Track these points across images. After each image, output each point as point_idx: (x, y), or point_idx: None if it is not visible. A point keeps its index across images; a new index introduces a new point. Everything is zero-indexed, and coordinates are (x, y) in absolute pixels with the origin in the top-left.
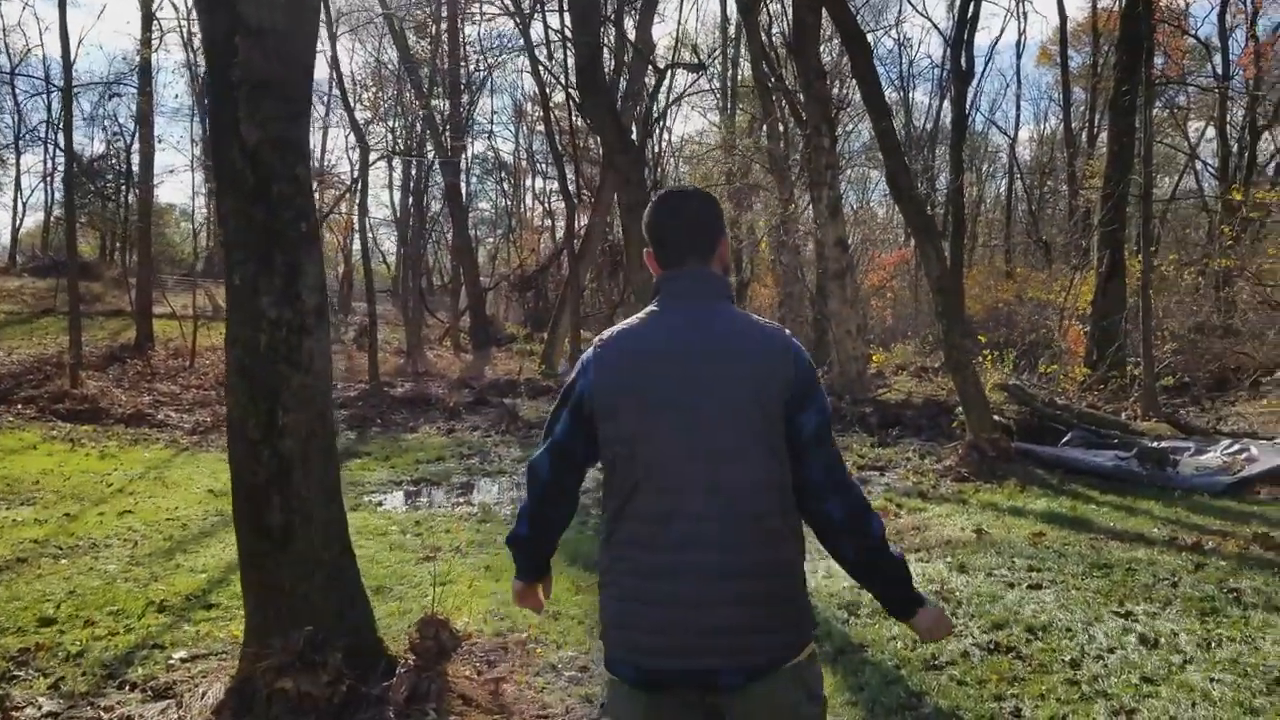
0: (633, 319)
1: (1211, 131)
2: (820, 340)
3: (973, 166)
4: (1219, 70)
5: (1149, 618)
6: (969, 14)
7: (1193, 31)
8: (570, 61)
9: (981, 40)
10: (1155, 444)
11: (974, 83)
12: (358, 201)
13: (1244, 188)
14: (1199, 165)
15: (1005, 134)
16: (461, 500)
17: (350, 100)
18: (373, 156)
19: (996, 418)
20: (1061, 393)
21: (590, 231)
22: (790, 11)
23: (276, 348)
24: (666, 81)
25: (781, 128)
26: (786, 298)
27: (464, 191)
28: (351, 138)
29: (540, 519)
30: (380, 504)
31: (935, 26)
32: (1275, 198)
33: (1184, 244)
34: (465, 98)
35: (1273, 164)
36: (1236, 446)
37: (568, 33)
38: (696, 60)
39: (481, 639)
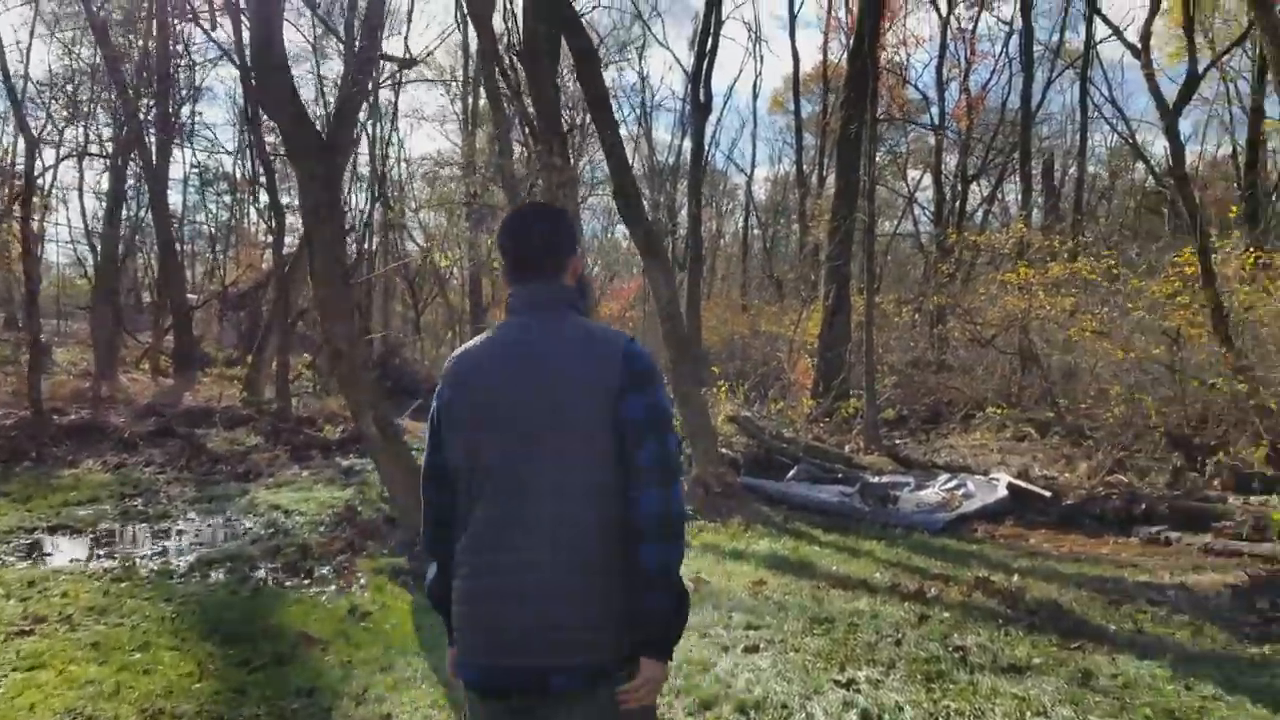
0: (483, 334)
1: (929, 179)
2: None
3: (712, 203)
4: (936, 120)
5: (872, 686)
6: (707, 48)
7: (913, 82)
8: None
9: (723, 80)
10: (877, 479)
11: (711, 117)
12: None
13: (957, 231)
14: (917, 210)
15: (743, 171)
16: (102, 553)
17: (18, 94)
18: (51, 155)
19: (725, 451)
20: (789, 424)
21: (301, 246)
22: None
23: None
24: (392, 84)
25: (518, 146)
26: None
27: (181, 201)
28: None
29: (438, 550)
30: None
31: (677, 60)
32: (984, 240)
33: (903, 282)
34: (175, 99)
35: (981, 210)
36: (954, 482)
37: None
38: (408, 57)
39: None
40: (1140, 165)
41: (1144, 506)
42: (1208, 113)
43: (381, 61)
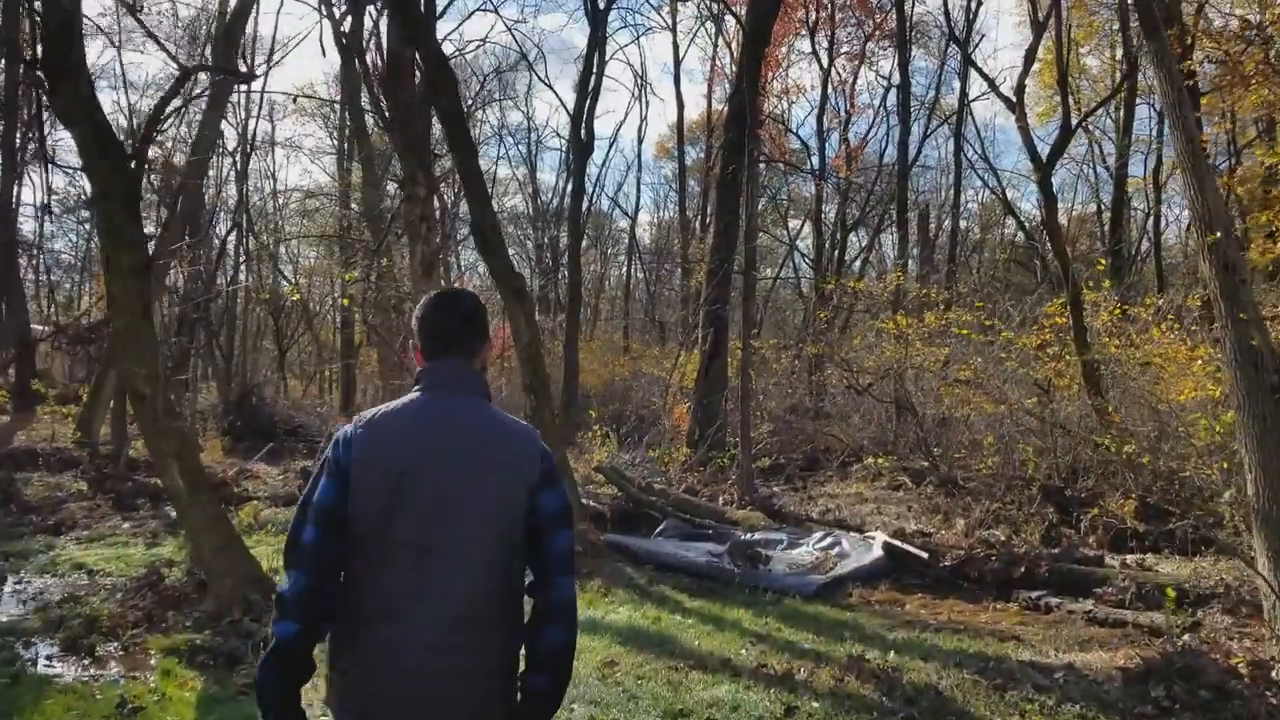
0: (394, 403)
1: (809, 228)
2: None
3: (597, 245)
4: (816, 169)
5: None
6: (590, 87)
7: (794, 130)
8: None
9: (610, 124)
10: (749, 536)
11: (598, 160)
12: None
13: (835, 278)
14: (797, 257)
15: (627, 215)
16: None
17: None
18: None
19: (591, 504)
20: (664, 473)
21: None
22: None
23: None
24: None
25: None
26: (382, 364)
27: (36, 228)
28: None
29: (310, 605)
30: None
31: (561, 102)
32: (862, 287)
33: (783, 329)
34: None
35: (859, 259)
36: (828, 540)
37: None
38: (246, 71)
39: None
40: (1011, 220)
41: (1023, 569)
42: (1075, 172)
43: (229, 79)
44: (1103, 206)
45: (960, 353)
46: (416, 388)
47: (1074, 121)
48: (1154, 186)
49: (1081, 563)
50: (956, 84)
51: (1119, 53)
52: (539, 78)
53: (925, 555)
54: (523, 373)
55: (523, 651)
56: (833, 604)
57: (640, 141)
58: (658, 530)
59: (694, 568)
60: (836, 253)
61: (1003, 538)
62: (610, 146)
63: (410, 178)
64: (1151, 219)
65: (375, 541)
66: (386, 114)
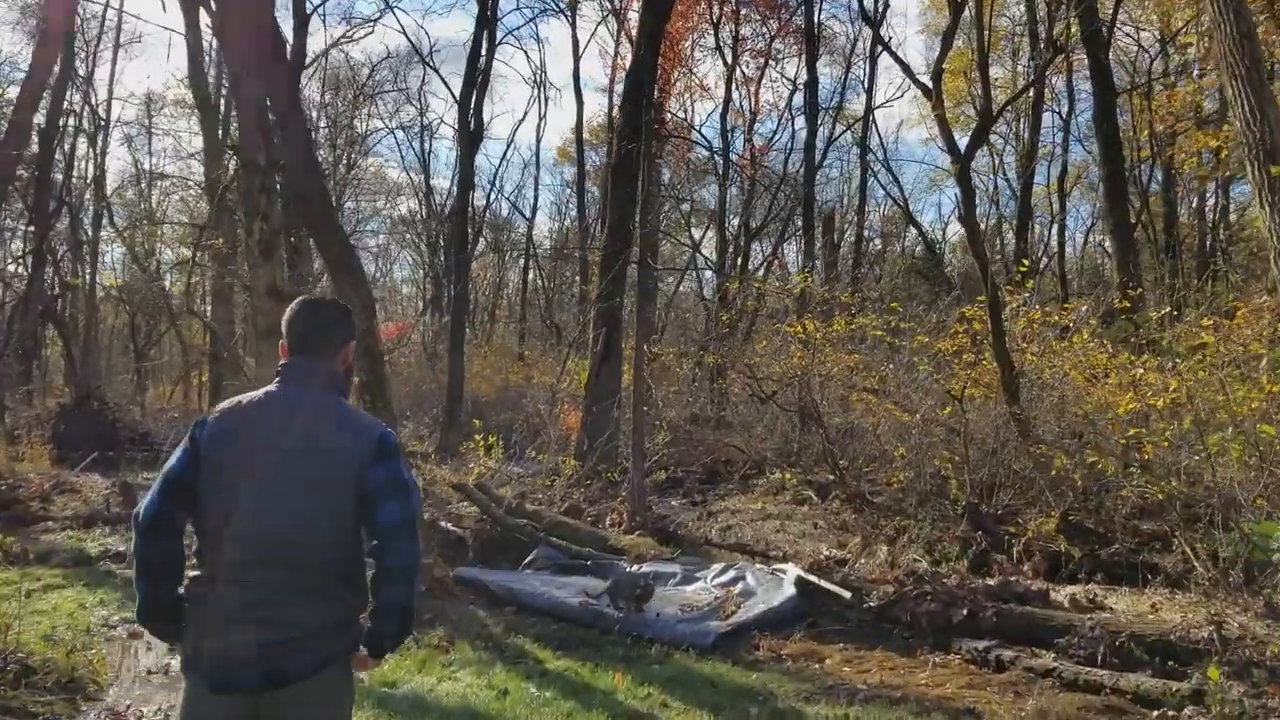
0: (254, 393)
1: (712, 233)
2: None
3: (496, 249)
4: (720, 170)
5: None
6: (477, 70)
7: (698, 128)
8: None
9: (508, 124)
10: (636, 568)
11: (496, 165)
12: None
13: (738, 280)
14: (700, 261)
15: (524, 216)
16: None
17: None
18: None
19: (450, 527)
20: (547, 489)
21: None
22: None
23: None
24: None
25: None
26: (213, 360)
27: None
28: None
29: (155, 558)
30: None
31: (453, 94)
32: (767, 288)
33: (686, 335)
34: None
35: (763, 267)
36: (730, 574)
37: None
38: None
39: None
40: (911, 233)
41: (965, 612)
42: (974, 184)
43: None
44: (1003, 219)
45: (870, 360)
46: (275, 379)
47: (994, 109)
48: (1059, 194)
49: (1028, 601)
50: (860, 97)
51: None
52: (426, 64)
53: (847, 595)
54: (357, 370)
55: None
56: (735, 660)
57: (539, 140)
58: (526, 560)
59: (565, 611)
60: (740, 259)
61: (925, 565)
62: (508, 146)
63: (249, 143)
64: (1056, 227)
65: (212, 518)
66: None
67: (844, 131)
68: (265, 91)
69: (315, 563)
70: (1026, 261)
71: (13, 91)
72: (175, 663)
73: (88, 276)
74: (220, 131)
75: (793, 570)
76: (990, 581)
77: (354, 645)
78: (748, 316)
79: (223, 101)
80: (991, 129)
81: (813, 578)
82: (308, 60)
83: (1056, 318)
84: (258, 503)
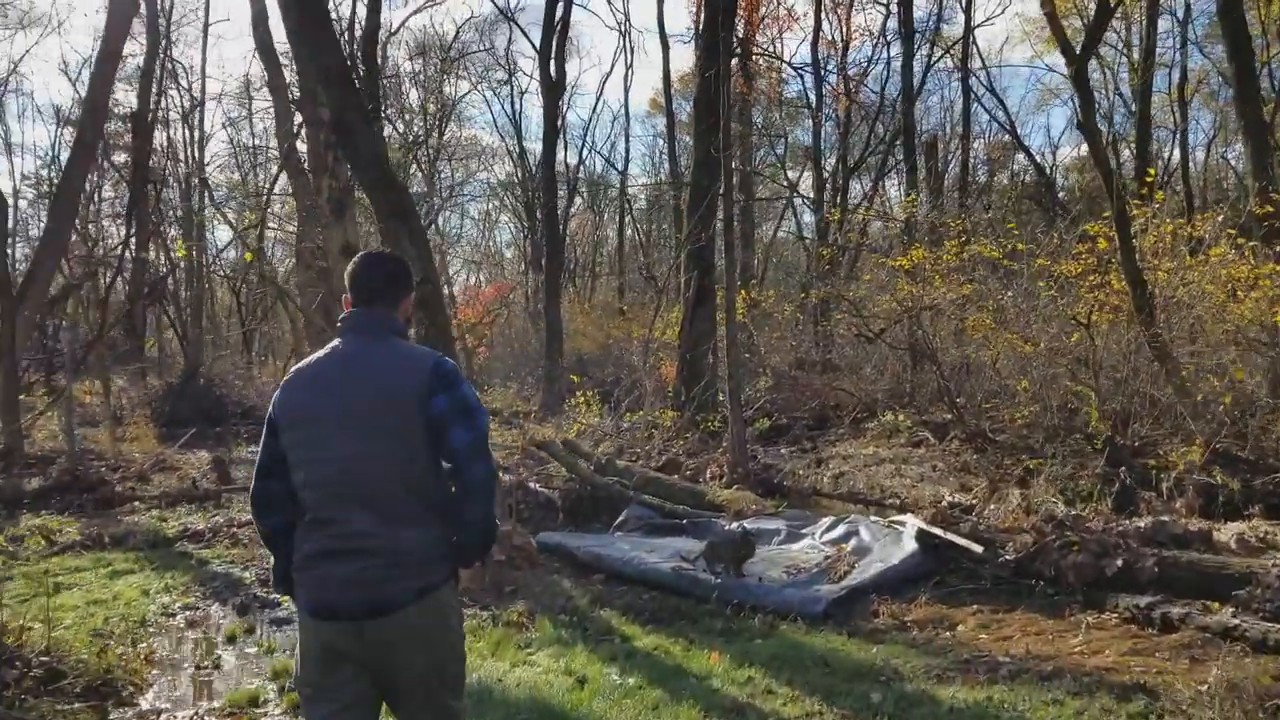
0: (319, 351)
1: (809, 174)
2: None
3: (594, 207)
4: (813, 102)
5: None
6: (556, 18)
7: (788, 60)
8: None
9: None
10: (736, 526)
11: (580, 112)
12: None
13: (839, 213)
14: (798, 202)
15: (616, 169)
16: None
17: None
18: None
19: (538, 488)
20: (645, 443)
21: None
22: None
23: None
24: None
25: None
26: (309, 331)
27: None
28: None
29: (269, 524)
30: None
31: (534, 46)
32: (870, 216)
33: (788, 280)
34: None
35: (863, 204)
36: (842, 529)
37: None
38: None
39: None
40: (1019, 159)
41: (1120, 562)
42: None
43: None
44: (1118, 136)
45: (984, 290)
46: (339, 333)
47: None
48: (1179, 103)
49: (1189, 544)
50: (959, 17)
51: None
52: (507, 17)
53: (979, 548)
54: (415, 319)
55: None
56: (851, 630)
57: (626, 91)
58: (617, 521)
59: (657, 578)
60: (839, 197)
61: (1063, 508)
62: (598, 100)
63: (309, 95)
64: (1178, 137)
65: (295, 470)
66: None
67: (942, 55)
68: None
69: (397, 495)
70: (1153, 171)
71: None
72: (226, 654)
73: (196, 255)
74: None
75: (913, 522)
76: (1140, 523)
77: (453, 572)
78: (850, 252)
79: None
80: (1108, 25)
81: (936, 530)
82: (394, 28)
83: (1191, 229)
84: (333, 448)
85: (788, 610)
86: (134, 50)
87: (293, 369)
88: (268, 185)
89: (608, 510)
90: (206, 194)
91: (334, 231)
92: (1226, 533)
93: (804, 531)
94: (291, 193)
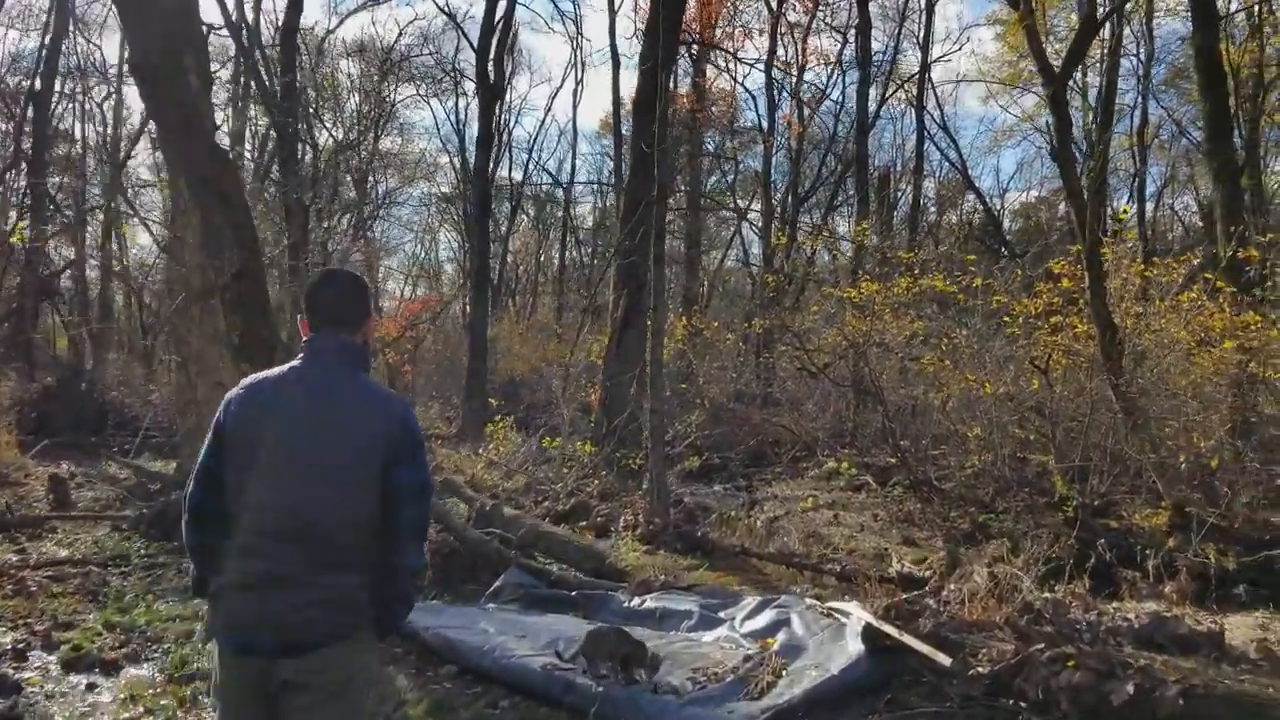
0: (277, 369)
1: (758, 204)
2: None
3: (539, 225)
4: (764, 125)
5: None
6: (496, 18)
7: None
8: None
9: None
10: (634, 602)
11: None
12: None
13: (789, 235)
14: (747, 231)
15: (559, 185)
16: None
17: None
18: None
19: None
20: (559, 480)
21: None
22: None
23: None
24: None
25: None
26: (173, 337)
27: None
28: None
29: (197, 543)
30: None
31: (467, 39)
32: (819, 243)
33: (732, 308)
34: None
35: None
36: (768, 615)
37: None
38: None
39: None
40: (969, 200)
41: (1131, 689)
42: (1033, 150)
43: None
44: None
45: (936, 327)
46: (299, 356)
47: (1099, 13)
48: (1139, 147)
49: (1194, 647)
50: (915, 53)
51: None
52: (445, 12)
53: (946, 661)
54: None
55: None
56: None
57: (575, 107)
58: (491, 589)
59: (523, 678)
60: (789, 227)
61: (1030, 587)
62: (545, 115)
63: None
64: (1136, 181)
65: (237, 489)
66: None
67: (897, 89)
68: None
69: (334, 540)
70: (1128, 208)
71: None
72: None
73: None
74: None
75: (858, 615)
76: (1132, 616)
77: (369, 620)
78: (797, 282)
79: None
80: (1090, 45)
81: (889, 629)
82: (332, 26)
83: (1169, 269)
84: (276, 477)
85: None
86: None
87: (246, 383)
88: (122, 156)
89: (489, 569)
90: (126, 187)
91: (191, 216)
92: (1233, 629)
93: (721, 615)
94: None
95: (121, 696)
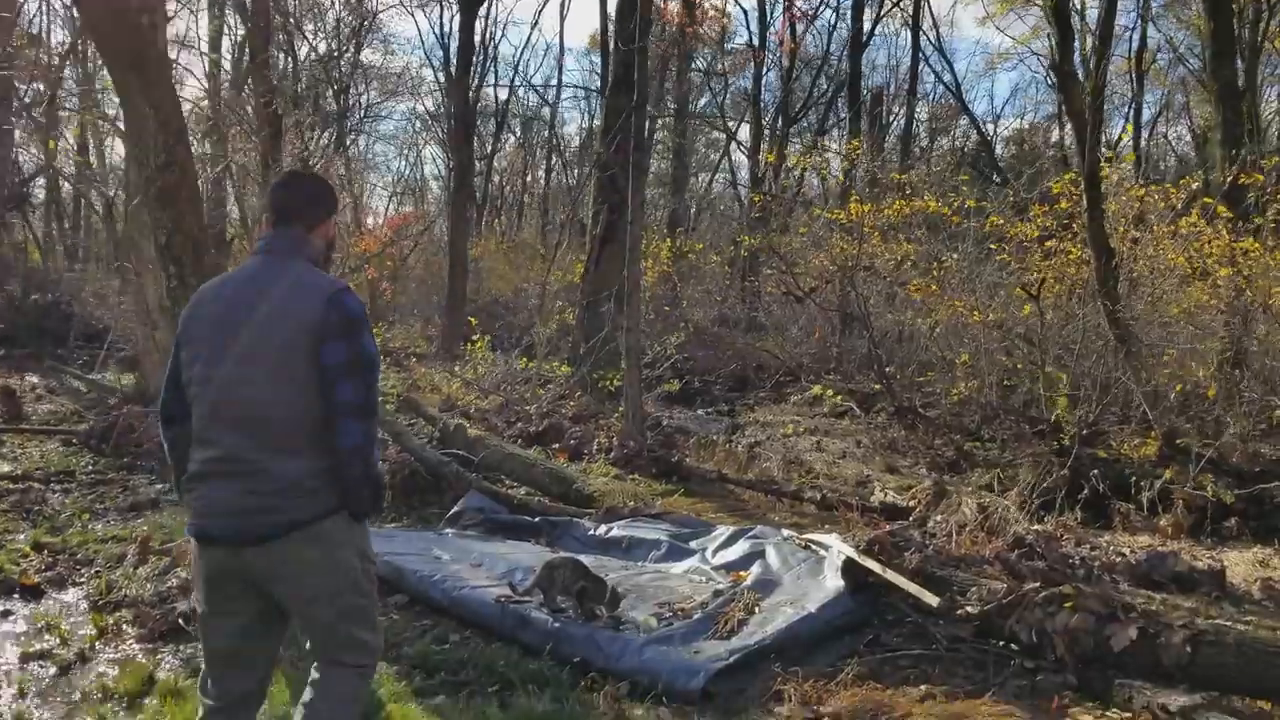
0: (235, 268)
1: (748, 126)
2: None
3: (525, 144)
4: (755, 40)
5: None
6: None
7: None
8: None
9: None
10: (599, 530)
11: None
12: None
13: (777, 159)
14: (737, 155)
15: (547, 101)
16: None
17: None
18: None
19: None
20: (533, 401)
21: None
22: None
23: None
24: None
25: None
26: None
27: None
28: None
29: (169, 435)
30: None
31: None
32: (808, 161)
33: (723, 228)
34: None
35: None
36: (741, 546)
37: None
38: None
39: None
40: (962, 124)
41: (1133, 633)
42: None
43: None
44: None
45: (926, 251)
46: (255, 252)
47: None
48: (1136, 73)
49: (1195, 585)
50: None
51: None
52: None
53: (934, 601)
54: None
55: None
56: (739, 716)
57: (563, 19)
58: (450, 513)
59: (475, 611)
60: (778, 148)
61: (1020, 518)
62: (532, 29)
63: None
64: (1134, 108)
65: (191, 382)
66: None
67: (893, 6)
68: None
69: (275, 423)
70: (1130, 127)
71: None
72: None
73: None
74: None
75: (838, 547)
76: (1127, 551)
77: (335, 507)
78: (785, 204)
79: None
80: None
81: (872, 564)
82: None
83: (1169, 196)
84: (217, 368)
85: (652, 678)
86: None
87: (205, 285)
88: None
89: (453, 493)
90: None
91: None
92: (1233, 565)
93: (693, 545)
94: None
95: (38, 626)
